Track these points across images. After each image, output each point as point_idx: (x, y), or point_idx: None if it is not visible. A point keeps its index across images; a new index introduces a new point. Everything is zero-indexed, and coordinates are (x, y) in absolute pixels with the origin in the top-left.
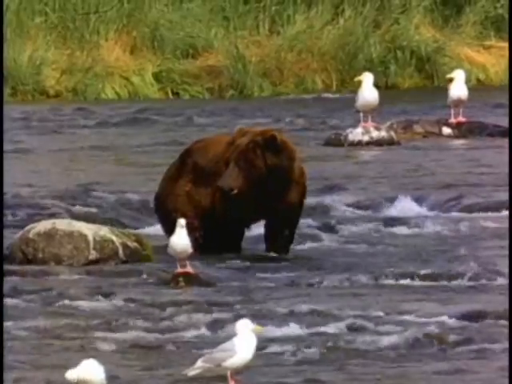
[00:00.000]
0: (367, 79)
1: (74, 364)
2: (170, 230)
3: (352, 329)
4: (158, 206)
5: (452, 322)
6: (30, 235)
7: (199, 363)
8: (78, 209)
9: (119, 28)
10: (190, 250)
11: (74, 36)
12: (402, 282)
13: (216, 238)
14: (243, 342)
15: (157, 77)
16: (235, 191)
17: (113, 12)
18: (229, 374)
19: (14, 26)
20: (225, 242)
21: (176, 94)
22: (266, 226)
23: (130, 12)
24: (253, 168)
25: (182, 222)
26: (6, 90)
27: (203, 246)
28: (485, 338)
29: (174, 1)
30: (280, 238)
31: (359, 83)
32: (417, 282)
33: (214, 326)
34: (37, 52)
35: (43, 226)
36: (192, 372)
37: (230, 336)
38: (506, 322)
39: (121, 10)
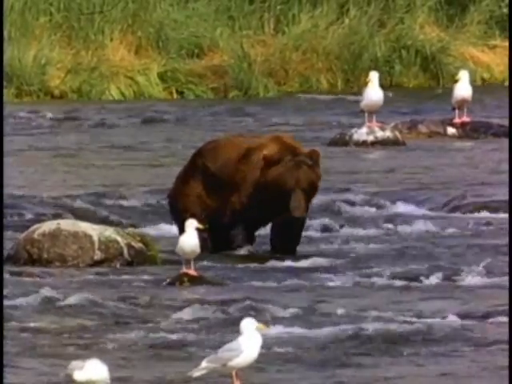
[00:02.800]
0: (375, 79)
1: (78, 363)
2: (182, 229)
3: (361, 328)
4: (170, 205)
5: (454, 321)
6: (35, 235)
7: (204, 363)
8: (83, 209)
9: (124, 28)
10: (198, 250)
11: (79, 36)
12: (405, 281)
13: (224, 239)
14: (249, 340)
15: (162, 76)
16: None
17: (118, 12)
18: (234, 373)
19: (19, 25)
20: (232, 243)
21: (181, 93)
22: (273, 228)
23: (135, 12)
24: (313, 188)
25: (191, 222)
26: (11, 91)
27: (211, 246)
28: (484, 337)
29: (179, 0)
30: (287, 240)
31: (367, 83)
32: (418, 281)
33: (220, 325)
34: (41, 52)
35: (48, 226)
36: (197, 373)
37: (236, 335)
38: (506, 322)
39: (125, 9)
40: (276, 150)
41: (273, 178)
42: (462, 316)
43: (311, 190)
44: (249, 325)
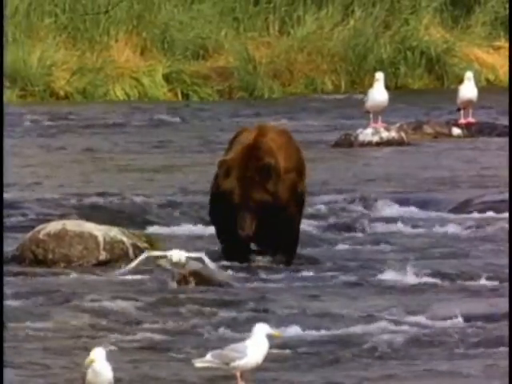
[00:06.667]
0: (381, 79)
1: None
2: None
3: (358, 329)
4: None
5: (453, 321)
6: (40, 236)
7: (209, 357)
8: (88, 209)
9: (129, 29)
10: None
11: (84, 37)
12: (408, 281)
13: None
14: (255, 345)
15: (167, 78)
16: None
17: (123, 13)
18: (238, 374)
19: (24, 27)
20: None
21: (186, 95)
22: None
23: (140, 13)
24: (262, 205)
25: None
26: (16, 92)
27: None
28: (486, 338)
29: (184, 2)
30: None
31: (372, 83)
32: (421, 282)
33: (225, 326)
34: (46, 53)
35: (53, 226)
36: (200, 364)
37: (242, 336)
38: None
39: (131, 11)
40: (234, 156)
41: (224, 191)
42: (464, 317)
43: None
44: (260, 330)
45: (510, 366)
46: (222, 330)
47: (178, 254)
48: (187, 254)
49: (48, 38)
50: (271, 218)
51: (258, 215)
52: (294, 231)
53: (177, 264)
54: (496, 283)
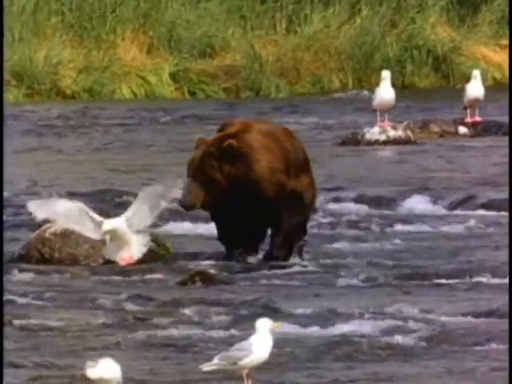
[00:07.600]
0: (388, 78)
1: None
2: None
3: (365, 328)
4: None
5: (457, 320)
6: (47, 235)
7: (215, 360)
8: (95, 208)
9: (136, 27)
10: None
11: (91, 35)
12: (413, 280)
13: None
14: (260, 341)
15: (174, 76)
16: (198, 206)
17: (129, 11)
18: (244, 373)
19: (31, 25)
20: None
21: (192, 93)
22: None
23: (147, 11)
24: (212, 181)
25: None
26: (22, 90)
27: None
28: (487, 337)
29: (191, 0)
30: (272, 246)
31: (379, 82)
32: (425, 280)
33: (231, 324)
34: (53, 51)
35: (60, 225)
36: (207, 367)
37: (247, 335)
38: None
39: (137, 9)
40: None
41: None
42: (467, 315)
43: (210, 184)
44: (263, 325)
45: (510, 365)
46: (227, 328)
47: (110, 223)
48: (122, 222)
49: (54, 37)
50: (260, 216)
51: (206, 190)
52: (288, 228)
53: (109, 233)
54: (497, 280)
